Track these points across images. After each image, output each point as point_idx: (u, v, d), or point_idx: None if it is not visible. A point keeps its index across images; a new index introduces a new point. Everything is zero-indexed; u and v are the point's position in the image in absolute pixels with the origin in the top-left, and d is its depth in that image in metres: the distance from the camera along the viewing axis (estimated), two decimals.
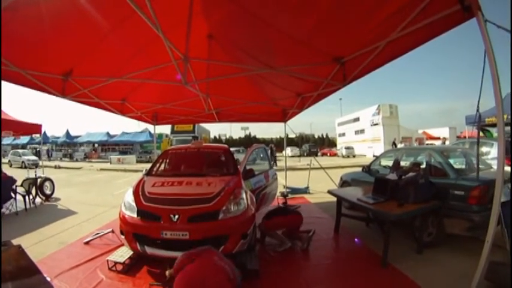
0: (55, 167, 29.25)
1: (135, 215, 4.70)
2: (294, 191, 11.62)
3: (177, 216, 4.42)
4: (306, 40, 4.76)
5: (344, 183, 9.05)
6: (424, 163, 6.48)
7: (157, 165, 6.82)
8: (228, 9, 4.44)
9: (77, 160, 42.46)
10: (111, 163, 34.74)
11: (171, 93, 8.02)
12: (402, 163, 7.49)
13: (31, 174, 11.40)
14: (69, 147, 49.01)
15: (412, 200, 5.17)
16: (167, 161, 7.21)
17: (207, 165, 6.76)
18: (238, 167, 6.24)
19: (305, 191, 11.78)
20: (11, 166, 28.20)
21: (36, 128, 11.73)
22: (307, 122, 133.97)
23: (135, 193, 5.10)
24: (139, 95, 8.17)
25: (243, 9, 4.26)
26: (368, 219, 6.29)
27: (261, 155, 9.14)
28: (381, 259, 4.79)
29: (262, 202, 6.82)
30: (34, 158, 31.64)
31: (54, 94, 6.17)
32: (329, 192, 6.63)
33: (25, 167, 26.08)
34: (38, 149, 46.36)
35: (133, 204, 4.84)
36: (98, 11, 3.95)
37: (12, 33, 3.96)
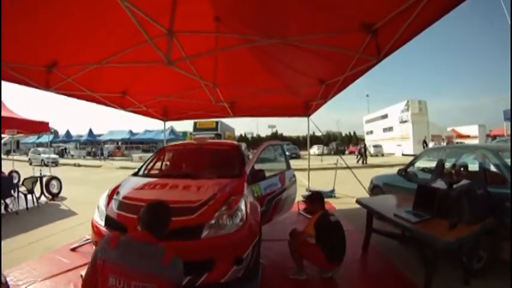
0: (74, 165, 29.42)
1: (103, 223, 3.91)
2: None
3: None
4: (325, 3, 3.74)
5: (375, 187, 7.75)
6: (477, 166, 5.17)
7: (149, 164, 5.99)
8: None
9: (99, 158, 42.57)
10: (132, 161, 34.70)
11: (177, 83, 7.20)
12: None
13: (39, 172, 11.21)
14: (93, 145, 49.36)
15: (467, 219, 3.75)
16: (162, 159, 6.39)
17: (206, 165, 5.77)
18: (245, 168, 5.08)
19: (330, 194, 10.51)
20: (31, 164, 28.31)
21: (43, 126, 11.38)
22: (334, 119, 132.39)
23: (110, 196, 4.35)
24: (141, 86, 7.45)
25: None
26: (405, 238, 4.80)
27: (277, 154, 7.98)
28: None
29: (275, 210, 5.68)
30: (54, 156, 32.15)
31: (36, 87, 5.63)
32: (358, 202, 5.42)
33: (45, 165, 26.38)
34: (62, 148, 47.17)
35: (104, 210, 4.12)
36: None
37: None
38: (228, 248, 3.49)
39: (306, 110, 9.53)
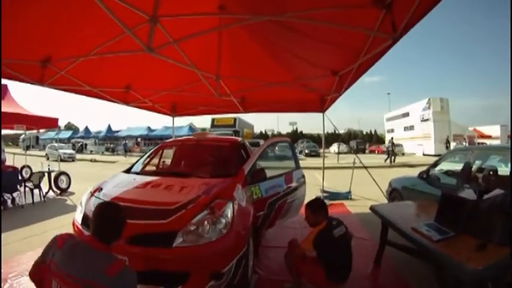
0: (91, 161, 29.66)
1: (80, 221, 3.64)
2: (333, 196, 9.73)
3: None
4: None
5: (393, 191, 7.04)
6: (508, 171, 4.53)
7: (143, 160, 5.67)
8: None
9: (117, 154, 42.89)
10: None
11: (182, 76, 6.82)
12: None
13: (47, 167, 11.36)
14: (111, 141, 50.03)
15: (498, 239, 2.92)
16: (160, 155, 6.06)
17: (201, 162, 5.33)
18: (243, 166, 4.50)
19: (346, 196, 9.81)
20: (48, 159, 28.56)
21: (52, 121, 11.53)
22: (355, 117, 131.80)
23: (93, 192, 4.08)
24: (146, 80, 7.18)
25: None
26: (424, 256, 3.77)
27: (285, 152, 7.40)
28: None
29: (279, 215, 5.10)
30: (71, 151, 32.66)
31: (30, 82, 5.56)
32: (372, 210, 4.69)
33: (61, 160, 26.54)
34: (81, 143, 47.83)
35: (84, 207, 3.84)
36: None
37: None
38: (204, 260, 3.04)
39: (320, 105, 8.99)
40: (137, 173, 5.01)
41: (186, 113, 10.45)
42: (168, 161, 6.25)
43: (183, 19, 4.19)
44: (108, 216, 2.15)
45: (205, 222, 3.19)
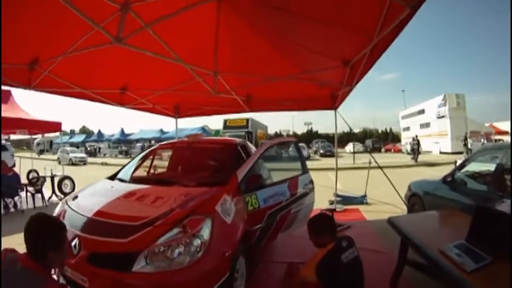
0: (102, 164, 29.70)
1: None
2: (347, 200, 9.02)
3: (77, 248, 2.75)
4: None
5: (413, 196, 6.20)
6: None
7: (131, 165, 5.26)
8: None
9: (131, 156, 42.93)
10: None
11: (182, 75, 6.31)
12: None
13: (50, 172, 11.47)
14: (124, 144, 50.38)
15: None
16: (151, 159, 5.69)
17: (188, 168, 4.92)
18: (237, 172, 3.85)
19: (361, 200, 9.03)
20: (59, 163, 28.52)
21: (55, 126, 11.42)
22: (370, 116, 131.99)
23: (67, 201, 3.76)
24: (144, 80, 6.86)
25: None
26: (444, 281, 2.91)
27: (290, 154, 6.79)
28: None
29: (280, 227, 4.45)
30: (82, 155, 32.97)
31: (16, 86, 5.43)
32: (390, 223, 3.86)
33: (73, 164, 28.35)
34: (94, 147, 48.40)
35: (56, 215, 3.47)
36: None
37: None
38: None
39: (332, 101, 8.33)
40: (121, 180, 4.54)
41: (189, 114, 9.96)
42: (163, 166, 5.97)
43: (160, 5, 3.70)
44: (36, 231, 1.88)
45: (175, 243, 2.67)
